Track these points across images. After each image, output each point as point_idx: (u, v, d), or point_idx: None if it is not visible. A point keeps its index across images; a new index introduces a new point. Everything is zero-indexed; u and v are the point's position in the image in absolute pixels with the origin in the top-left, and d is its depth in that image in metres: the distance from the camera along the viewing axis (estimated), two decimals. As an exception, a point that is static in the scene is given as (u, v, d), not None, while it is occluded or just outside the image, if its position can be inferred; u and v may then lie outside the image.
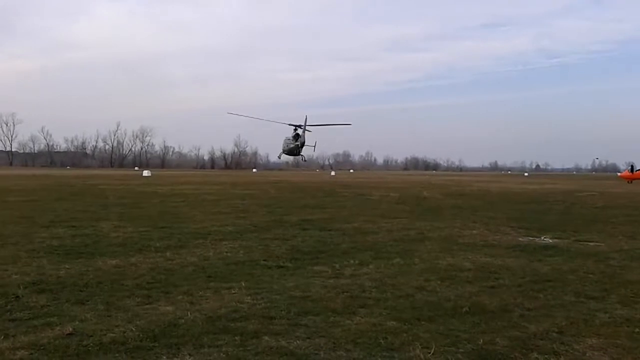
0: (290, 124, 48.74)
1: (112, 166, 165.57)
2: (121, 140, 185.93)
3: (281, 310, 6.60)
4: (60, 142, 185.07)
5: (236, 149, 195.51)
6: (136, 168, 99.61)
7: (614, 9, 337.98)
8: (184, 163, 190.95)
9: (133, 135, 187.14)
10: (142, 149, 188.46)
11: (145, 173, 71.70)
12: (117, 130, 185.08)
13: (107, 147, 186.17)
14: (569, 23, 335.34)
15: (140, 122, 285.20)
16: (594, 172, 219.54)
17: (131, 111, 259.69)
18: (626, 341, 5.72)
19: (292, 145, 48.86)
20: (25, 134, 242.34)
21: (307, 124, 48.51)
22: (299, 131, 49.05)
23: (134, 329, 5.77)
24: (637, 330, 6.09)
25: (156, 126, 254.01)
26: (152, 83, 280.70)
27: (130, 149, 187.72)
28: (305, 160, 53.73)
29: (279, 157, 51.59)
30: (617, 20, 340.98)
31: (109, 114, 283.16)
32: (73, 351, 5.17)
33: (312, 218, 17.54)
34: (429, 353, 5.24)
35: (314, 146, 50.40)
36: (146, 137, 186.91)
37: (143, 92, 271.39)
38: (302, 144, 49.57)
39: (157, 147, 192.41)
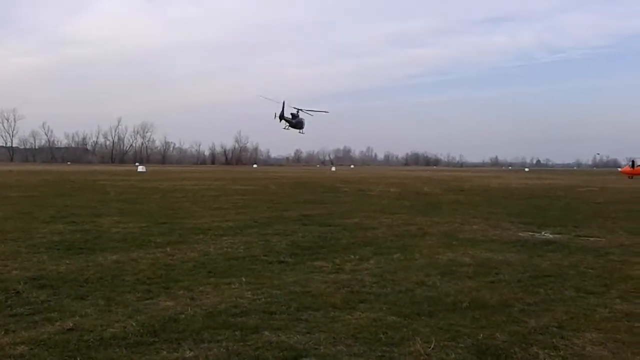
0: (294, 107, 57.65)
1: (112, 162, 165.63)
2: (122, 136, 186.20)
3: (281, 306, 6.61)
4: (61, 138, 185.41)
5: (237, 145, 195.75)
6: (137, 164, 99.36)
7: (618, 5, 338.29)
8: (184, 159, 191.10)
9: (134, 131, 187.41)
10: (142, 144, 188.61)
11: (140, 169, 70.95)
12: (117, 126, 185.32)
13: (107, 142, 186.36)
14: (572, 18, 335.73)
15: (141, 117, 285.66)
16: (594, 168, 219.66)
17: (132, 107, 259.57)
18: (626, 336, 5.73)
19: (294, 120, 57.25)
20: (26, 130, 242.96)
21: (303, 108, 58.26)
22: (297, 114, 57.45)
23: (134, 324, 5.78)
24: (636, 325, 6.10)
25: (157, 122, 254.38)
26: (153, 78, 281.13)
27: (131, 145, 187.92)
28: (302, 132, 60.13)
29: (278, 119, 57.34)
30: (622, 15, 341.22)
31: (110, 110, 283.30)
32: (73, 346, 5.17)
33: (312, 213, 17.55)
34: (429, 348, 5.24)
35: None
36: (147, 132, 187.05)
37: (144, 87, 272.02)
38: (299, 124, 57.61)
39: (157, 143, 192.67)
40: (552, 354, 5.20)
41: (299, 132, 59.04)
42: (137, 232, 12.61)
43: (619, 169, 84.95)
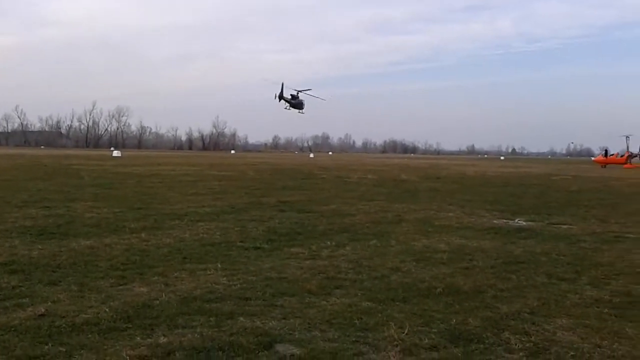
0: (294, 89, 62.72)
1: (87, 146, 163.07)
2: (97, 120, 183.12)
3: (257, 292, 6.60)
4: (35, 122, 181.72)
5: (214, 130, 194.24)
6: (112, 149, 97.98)
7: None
8: (161, 144, 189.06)
9: (109, 115, 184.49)
10: (118, 129, 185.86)
11: (115, 153, 69.80)
12: (92, 110, 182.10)
13: (82, 126, 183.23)
14: (549, 7, 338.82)
15: (117, 101, 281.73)
16: (568, 157, 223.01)
17: (108, 90, 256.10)
18: (595, 321, 5.85)
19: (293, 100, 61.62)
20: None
21: (302, 90, 62.89)
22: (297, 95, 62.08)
23: (107, 310, 5.73)
24: (605, 310, 6.23)
25: (133, 106, 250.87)
26: (129, 62, 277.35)
27: (106, 129, 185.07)
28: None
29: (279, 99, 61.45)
30: (597, 6, 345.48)
31: (85, 93, 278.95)
32: (45, 332, 5.11)
33: (290, 200, 17.53)
34: (403, 333, 5.29)
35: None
36: (122, 116, 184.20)
37: (120, 70, 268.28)
38: (299, 104, 62.35)
39: (133, 127, 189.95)
40: (523, 339, 5.29)
41: (299, 112, 63.21)
42: (112, 218, 12.47)
43: (593, 158, 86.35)
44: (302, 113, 63.48)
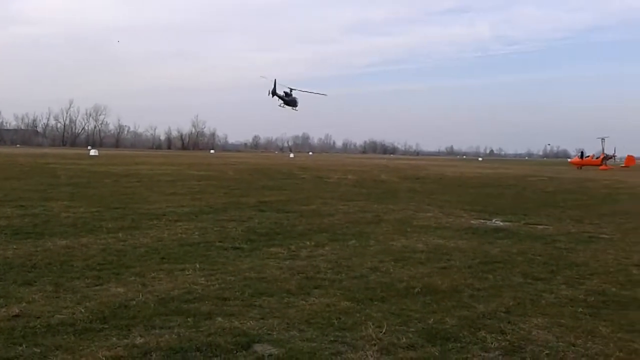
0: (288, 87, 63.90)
1: (64, 145, 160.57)
2: (74, 119, 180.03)
3: (235, 292, 6.59)
4: (10, 120, 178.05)
5: (194, 130, 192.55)
6: (89, 147, 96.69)
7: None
8: (139, 143, 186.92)
9: (86, 114, 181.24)
10: (95, 127, 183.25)
11: (93, 152, 68.75)
12: (69, 108, 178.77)
13: (59, 125, 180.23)
14: (526, 10, 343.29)
15: (95, 100, 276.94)
16: (545, 158, 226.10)
17: (85, 89, 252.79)
18: (569, 320, 5.95)
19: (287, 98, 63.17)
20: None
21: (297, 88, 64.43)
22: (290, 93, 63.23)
23: (83, 311, 5.66)
24: (580, 310, 6.34)
25: (111, 104, 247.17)
26: (107, 60, 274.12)
27: (83, 128, 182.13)
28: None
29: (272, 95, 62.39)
30: (574, 9, 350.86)
31: (62, 92, 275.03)
32: (19, 333, 5.03)
33: (269, 200, 17.50)
34: (381, 332, 5.32)
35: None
36: (100, 115, 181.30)
37: (98, 69, 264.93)
38: (292, 101, 63.56)
39: (111, 126, 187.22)
40: (499, 338, 5.35)
41: (293, 109, 63.63)
42: (88, 217, 12.32)
43: (569, 160, 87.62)
44: (296, 110, 64.51)
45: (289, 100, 62.50)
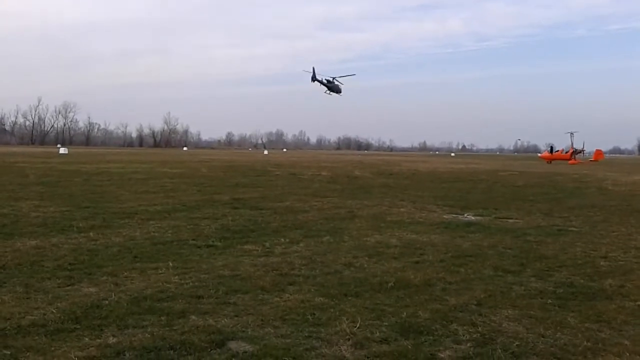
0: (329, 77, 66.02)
1: (32, 143, 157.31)
2: (42, 116, 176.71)
3: (209, 290, 6.57)
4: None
5: (166, 127, 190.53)
6: (59, 146, 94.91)
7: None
8: (110, 141, 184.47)
9: (55, 111, 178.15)
10: (65, 125, 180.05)
11: (62, 150, 67.38)
12: (38, 106, 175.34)
13: (27, 123, 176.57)
14: (497, 7, 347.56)
15: (64, 97, 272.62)
16: (516, 153, 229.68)
17: (54, 86, 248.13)
18: (539, 312, 6.08)
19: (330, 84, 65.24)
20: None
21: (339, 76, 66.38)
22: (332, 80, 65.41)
23: (54, 311, 5.59)
24: (549, 301, 6.48)
25: (81, 102, 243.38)
26: (76, 56, 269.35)
27: (53, 126, 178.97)
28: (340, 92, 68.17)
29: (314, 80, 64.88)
30: (543, 5, 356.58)
31: (30, 89, 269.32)
32: (-12, 335, 4.95)
33: (243, 197, 17.44)
34: (355, 327, 5.37)
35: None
36: (69, 112, 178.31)
37: (67, 65, 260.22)
38: (336, 88, 65.61)
39: (81, 124, 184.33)
40: (470, 330, 5.45)
41: (338, 95, 66.57)
42: (59, 217, 12.12)
43: (539, 154, 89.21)
44: (340, 95, 67.47)
45: (331, 86, 64.79)
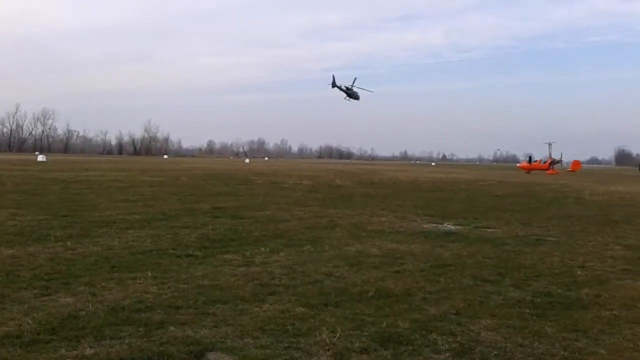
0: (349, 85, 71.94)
1: (10, 150, 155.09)
2: (20, 123, 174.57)
3: (188, 300, 6.51)
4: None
5: (146, 134, 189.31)
6: (37, 153, 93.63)
7: (522, 7, 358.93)
8: (89, 148, 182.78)
9: (34, 118, 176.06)
10: (43, 132, 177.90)
11: (40, 158, 66.42)
12: (16, 113, 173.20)
13: (5, 130, 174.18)
14: (477, 19, 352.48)
15: (43, 104, 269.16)
16: (495, 163, 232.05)
17: (33, 92, 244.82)
18: (517, 321, 6.13)
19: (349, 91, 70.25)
20: None
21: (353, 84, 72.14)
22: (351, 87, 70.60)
23: (30, 322, 5.50)
24: (527, 311, 6.55)
25: (60, 109, 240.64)
26: (55, 63, 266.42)
27: (31, 133, 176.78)
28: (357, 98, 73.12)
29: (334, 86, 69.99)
30: (523, 17, 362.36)
31: (8, 95, 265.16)
32: (-39, 347, 4.85)
33: (224, 206, 17.35)
34: (335, 337, 5.37)
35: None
36: (48, 119, 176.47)
37: (46, 72, 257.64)
38: (354, 94, 71.25)
39: (60, 131, 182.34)
40: (449, 339, 5.48)
41: (356, 100, 71.53)
42: (35, 226, 11.94)
43: (518, 164, 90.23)
44: (358, 101, 72.03)
45: (350, 93, 68.74)
